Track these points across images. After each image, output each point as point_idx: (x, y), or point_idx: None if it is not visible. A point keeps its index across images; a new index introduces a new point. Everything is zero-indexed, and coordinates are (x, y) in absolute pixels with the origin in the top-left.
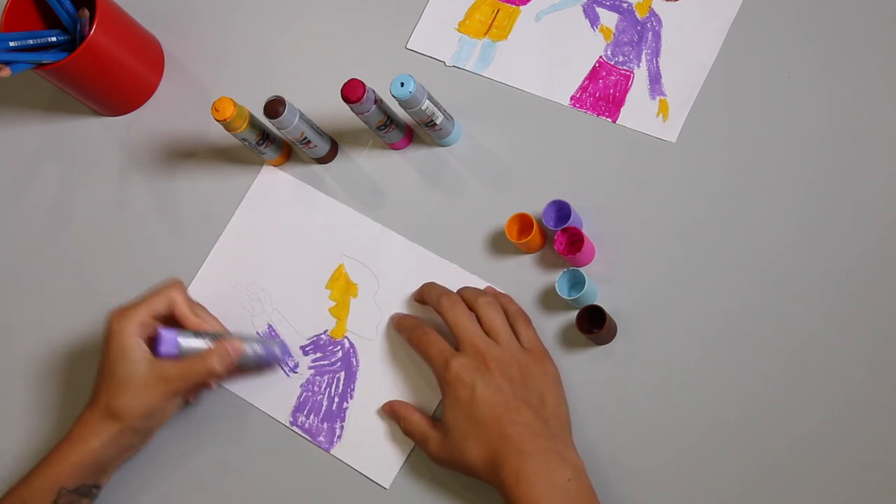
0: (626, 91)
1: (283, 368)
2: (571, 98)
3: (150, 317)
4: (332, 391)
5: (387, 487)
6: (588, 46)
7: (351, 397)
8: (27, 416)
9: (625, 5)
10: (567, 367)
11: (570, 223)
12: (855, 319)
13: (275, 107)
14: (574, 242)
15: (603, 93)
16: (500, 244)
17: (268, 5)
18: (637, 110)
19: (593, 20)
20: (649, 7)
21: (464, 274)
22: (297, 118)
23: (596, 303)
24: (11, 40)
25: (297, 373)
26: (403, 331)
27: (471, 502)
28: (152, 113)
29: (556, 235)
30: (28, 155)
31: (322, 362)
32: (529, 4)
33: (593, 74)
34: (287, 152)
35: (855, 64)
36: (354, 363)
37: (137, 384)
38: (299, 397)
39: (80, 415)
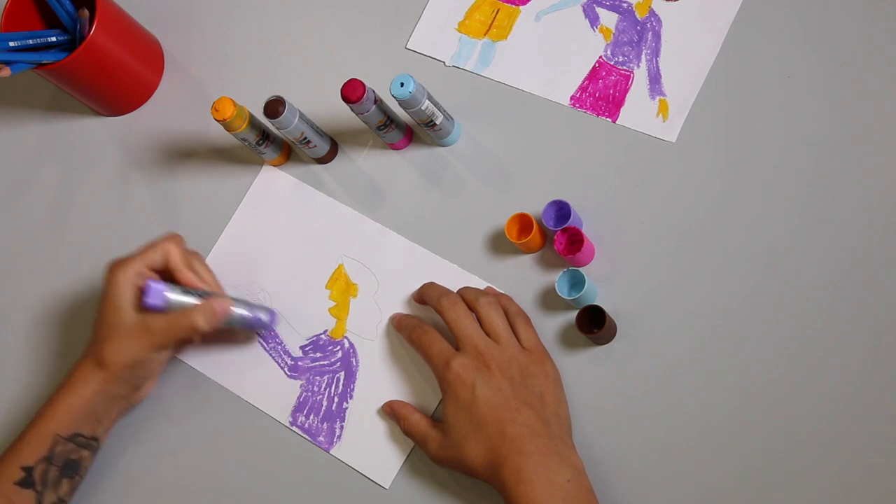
0: (625, 91)
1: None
2: (571, 98)
3: (147, 268)
4: (332, 391)
5: (387, 487)
6: (588, 46)
7: (351, 397)
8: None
9: (625, 5)
10: (567, 367)
11: (570, 223)
12: (854, 319)
13: (275, 107)
14: (574, 242)
15: (603, 93)
16: (499, 244)
17: (268, 5)
18: (637, 110)
19: (593, 20)
20: (649, 7)
21: (464, 274)
22: (297, 118)
23: (596, 303)
24: (11, 40)
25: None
26: (403, 330)
27: (471, 502)
28: (152, 113)
29: (556, 235)
30: (28, 155)
31: (322, 362)
32: (529, 4)
33: (593, 74)
34: (287, 152)
35: (855, 64)
36: (354, 363)
37: (122, 333)
38: (299, 397)
39: (75, 363)
